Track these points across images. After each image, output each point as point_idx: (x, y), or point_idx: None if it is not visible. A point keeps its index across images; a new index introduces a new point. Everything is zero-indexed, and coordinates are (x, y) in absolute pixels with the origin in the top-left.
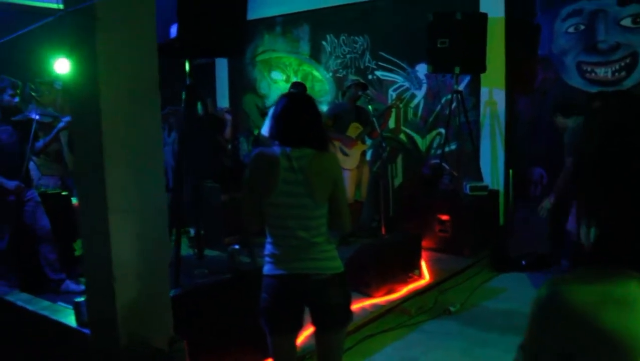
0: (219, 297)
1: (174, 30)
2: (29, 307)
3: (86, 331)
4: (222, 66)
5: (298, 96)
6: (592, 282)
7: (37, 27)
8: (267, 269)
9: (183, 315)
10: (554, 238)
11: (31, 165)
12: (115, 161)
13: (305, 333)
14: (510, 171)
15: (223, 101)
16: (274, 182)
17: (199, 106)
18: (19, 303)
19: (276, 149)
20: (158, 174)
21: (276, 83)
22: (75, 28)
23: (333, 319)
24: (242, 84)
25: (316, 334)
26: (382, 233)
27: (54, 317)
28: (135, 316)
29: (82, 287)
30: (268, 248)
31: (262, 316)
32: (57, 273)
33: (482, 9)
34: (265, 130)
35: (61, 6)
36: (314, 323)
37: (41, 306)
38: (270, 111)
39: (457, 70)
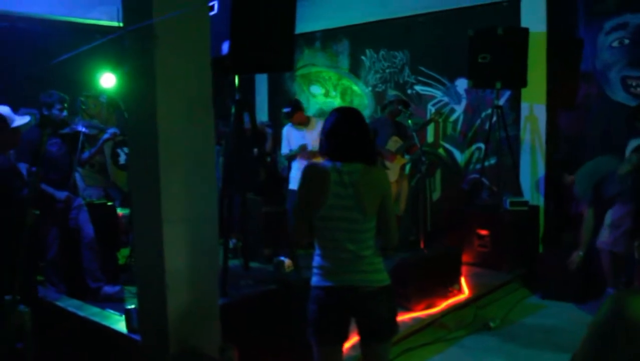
0: (266, 307)
1: (225, 47)
2: (80, 313)
3: (136, 337)
4: (261, 80)
5: (348, 111)
6: None
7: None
8: (315, 281)
9: (231, 323)
10: (587, 284)
11: (76, 176)
12: (170, 173)
13: (348, 344)
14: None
15: (262, 114)
16: (324, 196)
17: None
18: (70, 309)
19: (327, 163)
20: (210, 185)
21: (315, 97)
22: (134, 46)
23: (380, 330)
24: (281, 98)
25: (362, 345)
26: (420, 247)
27: (105, 323)
28: (186, 324)
29: (117, 287)
30: (317, 260)
31: (309, 327)
32: (96, 282)
33: (524, 24)
34: (284, 150)
35: (121, 24)
36: (361, 334)
37: (91, 313)
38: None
39: (498, 85)
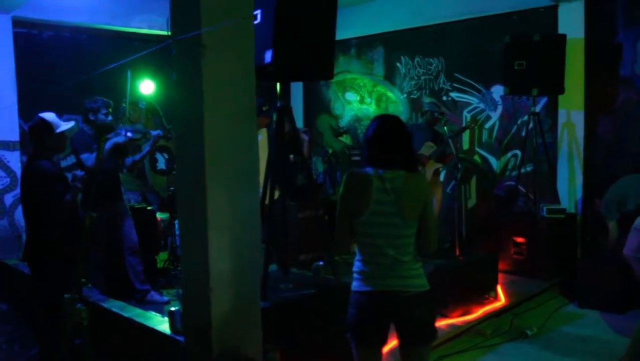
0: (306, 311)
1: (268, 56)
2: (124, 314)
3: (180, 338)
4: (296, 87)
5: (390, 118)
6: None
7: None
8: (355, 285)
9: (272, 326)
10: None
11: None
12: (215, 177)
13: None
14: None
15: (298, 121)
16: (366, 202)
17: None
18: (114, 310)
19: (369, 170)
20: (254, 192)
21: (350, 104)
22: (182, 54)
23: (419, 335)
24: (316, 105)
25: (402, 349)
26: (455, 253)
27: (148, 324)
28: (229, 326)
29: (165, 298)
30: (357, 265)
31: (349, 331)
32: (143, 284)
33: (561, 30)
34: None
35: (169, 33)
36: (400, 338)
37: (135, 314)
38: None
39: (534, 92)
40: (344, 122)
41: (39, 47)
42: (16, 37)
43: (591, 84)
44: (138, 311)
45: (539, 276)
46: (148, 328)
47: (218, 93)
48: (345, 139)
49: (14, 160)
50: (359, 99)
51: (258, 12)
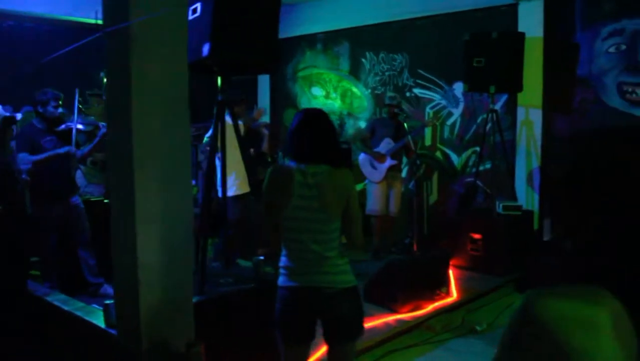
0: (240, 305)
1: (205, 49)
2: (65, 307)
3: (113, 332)
4: (264, 81)
5: (312, 112)
6: (565, 299)
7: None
8: (281, 281)
9: (204, 320)
10: None
11: (78, 173)
12: (144, 171)
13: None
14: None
15: (264, 117)
16: (289, 197)
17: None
18: (56, 303)
19: (292, 165)
20: (185, 186)
21: (316, 99)
22: (111, 46)
23: (344, 332)
24: (283, 99)
25: (328, 346)
26: (414, 250)
27: (86, 317)
28: (158, 320)
29: None
30: (283, 260)
31: (275, 326)
32: (96, 278)
33: (521, 28)
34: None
35: (100, 22)
36: (325, 336)
37: (76, 307)
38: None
39: (492, 89)
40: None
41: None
42: None
43: (549, 82)
44: (80, 304)
45: (494, 272)
46: (85, 321)
47: (147, 86)
48: None
49: None
50: (324, 94)
51: (198, 5)
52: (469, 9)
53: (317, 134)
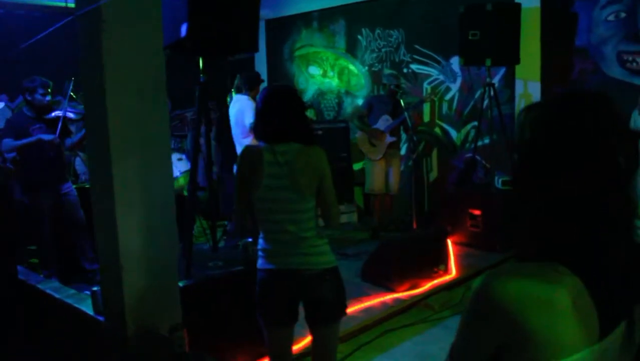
0: (227, 288)
1: (183, 30)
2: (56, 295)
3: (101, 318)
4: (261, 61)
5: (278, 89)
6: (523, 278)
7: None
8: (259, 263)
9: (191, 304)
10: None
11: (78, 160)
12: (121, 156)
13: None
14: None
15: None
16: (259, 177)
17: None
18: (48, 291)
19: (262, 144)
20: (165, 168)
21: (313, 78)
22: (83, 29)
23: (326, 313)
24: (280, 79)
25: (310, 327)
26: (413, 227)
27: (76, 305)
28: (143, 305)
29: None
30: (260, 243)
31: (257, 310)
32: (92, 264)
33: None
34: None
35: (72, 5)
36: (307, 318)
37: (67, 295)
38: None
39: (488, 62)
40: (307, 96)
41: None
42: None
43: (547, 54)
44: (71, 292)
45: (494, 248)
46: (74, 308)
47: (121, 70)
48: (310, 113)
49: None
50: (321, 73)
51: None
52: None
53: (284, 111)
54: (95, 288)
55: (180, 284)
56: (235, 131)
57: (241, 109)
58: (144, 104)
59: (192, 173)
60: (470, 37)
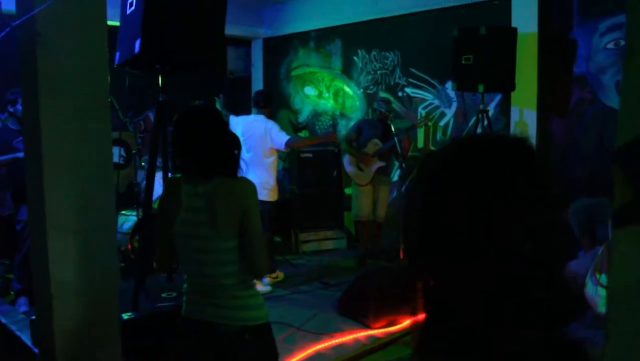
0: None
1: (137, 45)
2: (2, 319)
3: (36, 350)
4: (257, 81)
5: (192, 112)
6: None
7: None
8: (182, 310)
9: (134, 340)
10: None
11: None
12: (56, 178)
13: None
14: None
15: None
16: (176, 210)
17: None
18: None
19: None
20: (107, 193)
21: (309, 98)
22: (20, 40)
23: None
24: (277, 100)
25: None
26: (400, 257)
27: (18, 332)
28: (76, 339)
29: None
30: (184, 286)
31: None
32: None
33: (514, 24)
34: None
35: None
36: None
37: (14, 320)
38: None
39: (481, 88)
40: (302, 117)
41: None
42: None
43: (544, 81)
44: (20, 317)
45: None
46: (16, 336)
47: (57, 86)
48: (304, 134)
49: None
50: (317, 94)
51: (133, 0)
52: (462, 4)
53: (199, 144)
54: (34, 317)
55: (124, 316)
56: (257, 152)
57: (264, 129)
58: (83, 122)
59: (146, 199)
60: (463, 62)
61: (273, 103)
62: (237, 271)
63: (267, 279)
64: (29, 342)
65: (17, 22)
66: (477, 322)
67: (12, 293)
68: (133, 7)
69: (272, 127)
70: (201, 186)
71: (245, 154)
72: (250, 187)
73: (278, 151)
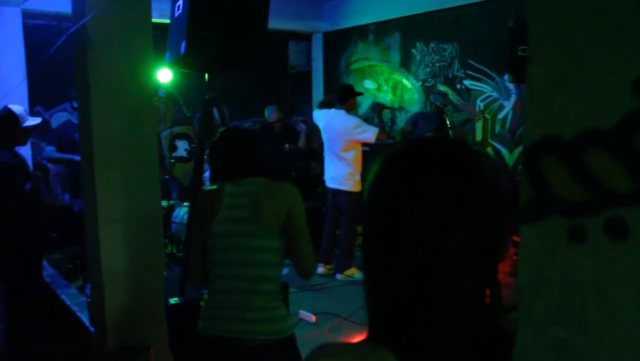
0: None
1: (182, 47)
2: (67, 301)
3: (92, 329)
4: (318, 74)
5: (229, 133)
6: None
7: None
8: (200, 325)
9: (179, 323)
10: None
11: None
12: (106, 173)
13: None
14: None
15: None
16: (216, 209)
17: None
18: (62, 296)
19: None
20: (153, 184)
21: (368, 91)
22: (75, 48)
23: None
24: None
25: None
26: None
27: (78, 313)
28: (125, 322)
29: None
30: (205, 299)
31: None
32: None
33: None
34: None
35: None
36: None
37: (77, 302)
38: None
39: None
40: (362, 110)
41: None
42: (34, 29)
43: None
44: (82, 299)
45: None
46: (76, 316)
47: (107, 87)
48: None
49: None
50: (376, 87)
51: (180, 2)
52: None
53: (240, 156)
54: (89, 300)
55: (171, 301)
56: (335, 146)
57: (342, 125)
58: (130, 122)
59: (193, 191)
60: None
61: (352, 98)
62: (277, 277)
63: (339, 276)
64: (87, 322)
65: (72, 29)
66: (413, 313)
67: (80, 278)
68: (180, 10)
69: (355, 122)
70: (245, 185)
71: (326, 147)
72: (294, 190)
73: (364, 144)
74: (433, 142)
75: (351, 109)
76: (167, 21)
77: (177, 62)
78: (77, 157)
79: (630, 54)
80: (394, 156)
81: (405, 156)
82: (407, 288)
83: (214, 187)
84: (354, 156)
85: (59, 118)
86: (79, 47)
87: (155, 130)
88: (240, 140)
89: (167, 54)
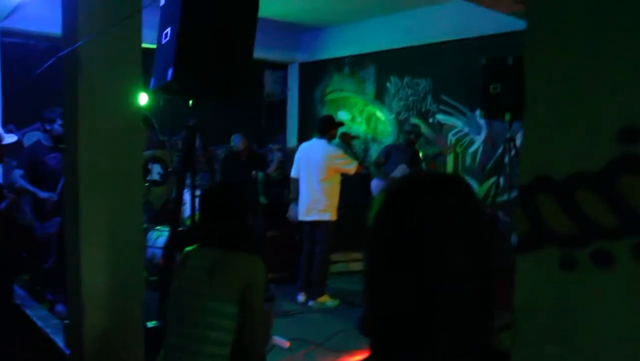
0: None
1: (169, 73)
2: (39, 323)
3: (67, 352)
4: (294, 104)
5: (212, 190)
6: None
7: None
8: None
9: (156, 347)
10: None
11: None
12: (91, 196)
13: None
14: None
15: (292, 138)
16: (182, 267)
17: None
18: (34, 318)
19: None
20: (135, 210)
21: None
22: (64, 70)
23: None
24: (311, 123)
25: None
26: None
27: (52, 335)
28: (104, 344)
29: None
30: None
31: None
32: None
33: None
34: None
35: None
36: None
37: (49, 324)
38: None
39: (507, 117)
40: (335, 140)
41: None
42: (9, 46)
43: None
44: (55, 321)
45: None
46: (49, 339)
47: (95, 110)
48: None
49: None
50: (350, 118)
51: (169, 29)
52: (493, 33)
53: (211, 214)
54: (67, 321)
55: (149, 324)
56: (314, 174)
57: (323, 154)
58: (117, 143)
59: (173, 216)
60: (491, 91)
61: (333, 129)
62: (226, 342)
63: (312, 303)
64: (61, 344)
65: (63, 52)
66: (413, 329)
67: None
68: (167, 38)
69: (338, 152)
70: (212, 251)
71: (303, 177)
72: (258, 264)
73: (342, 174)
74: (432, 177)
75: (332, 139)
76: (151, 46)
77: (163, 87)
78: (41, 194)
79: (614, 107)
80: (397, 189)
81: (407, 188)
82: (412, 306)
83: (191, 248)
84: (332, 185)
85: (31, 138)
86: (69, 70)
87: (141, 155)
88: (221, 201)
89: (153, 80)
